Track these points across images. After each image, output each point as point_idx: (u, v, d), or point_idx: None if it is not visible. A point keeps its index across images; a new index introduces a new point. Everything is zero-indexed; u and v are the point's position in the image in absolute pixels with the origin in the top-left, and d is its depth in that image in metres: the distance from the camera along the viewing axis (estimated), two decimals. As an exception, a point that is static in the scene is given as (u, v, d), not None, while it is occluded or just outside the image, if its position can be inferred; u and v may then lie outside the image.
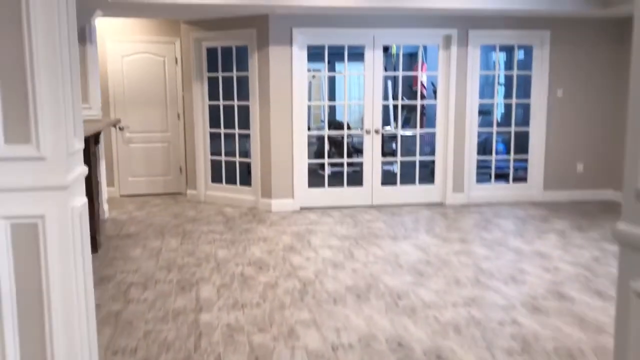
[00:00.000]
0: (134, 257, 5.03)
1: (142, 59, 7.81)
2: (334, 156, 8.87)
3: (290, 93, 6.73)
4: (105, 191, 6.63)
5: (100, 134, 6.36)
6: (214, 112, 7.36)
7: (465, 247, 5.29)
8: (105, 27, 7.65)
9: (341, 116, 8.79)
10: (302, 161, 6.92)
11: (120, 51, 7.74)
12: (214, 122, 7.37)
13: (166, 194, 8.02)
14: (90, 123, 5.73)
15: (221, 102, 7.26)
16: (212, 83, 7.35)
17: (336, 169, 8.29)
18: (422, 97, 9.81)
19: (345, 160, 7.11)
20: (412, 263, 4.80)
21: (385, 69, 7.57)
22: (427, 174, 8.38)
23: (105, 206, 6.59)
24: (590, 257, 4.97)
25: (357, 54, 7.05)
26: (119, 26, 7.69)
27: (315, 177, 7.54)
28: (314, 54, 6.97)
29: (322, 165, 7.92)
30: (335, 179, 7.34)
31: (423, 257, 4.95)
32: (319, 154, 7.68)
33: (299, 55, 6.74)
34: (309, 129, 8.69)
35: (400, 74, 7.25)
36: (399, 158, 7.26)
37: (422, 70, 8.82)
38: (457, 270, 4.62)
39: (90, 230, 5.46)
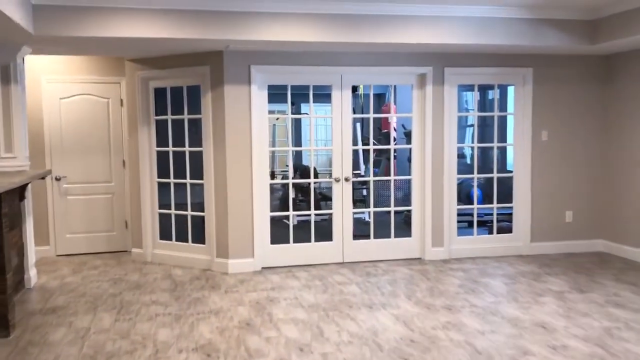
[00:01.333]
0: (53, 341, 4.08)
1: (83, 100, 6.95)
2: (301, 205, 8.09)
3: (249, 137, 5.95)
4: (33, 253, 5.66)
5: (27, 188, 5.44)
6: (162, 159, 6.52)
7: (453, 317, 4.50)
8: (41, 66, 6.80)
9: (308, 161, 8.08)
10: (263, 214, 6.10)
11: (58, 93, 6.88)
12: (162, 170, 6.52)
13: (109, 253, 7.05)
14: (10, 176, 4.83)
15: (171, 148, 6.43)
16: (161, 127, 6.53)
17: (303, 218, 7.50)
18: (393, 139, 9.17)
19: (312, 211, 6.32)
20: (394, 343, 3.97)
21: (354, 111, 6.88)
22: (401, 223, 7.67)
23: (32, 272, 5.61)
24: (600, 328, 4.24)
25: (323, 95, 6.37)
26: (57, 65, 6.85)
27: (279, 230, 6.72)
28: (278, 94, 6.25)
29: (287, 216, 7.10)
30: (302, 232, 6.52)
31: (406, 334, 4.14)
32: (284, 201, 6.88)
33: (259, 95, 6.01)
34: (272, 176, 7.91)
35: (371, 115, 6.56)
36: (372, 209, 6.49)
37: (392, 111, 8.19)
38: (449, 351, 3.81)
39: (1, 309, 4.56)
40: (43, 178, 5.72)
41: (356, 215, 7.11)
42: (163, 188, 6.58)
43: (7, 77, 5.32)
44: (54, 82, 6.86)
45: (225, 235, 6.00)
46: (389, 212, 6.55)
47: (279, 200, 8.88)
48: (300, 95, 6.54)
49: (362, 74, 6.25)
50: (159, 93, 6.49)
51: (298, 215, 7.52)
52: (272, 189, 6.27)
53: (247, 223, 6.01)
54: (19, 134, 5.38)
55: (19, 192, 5.34)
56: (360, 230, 6.96)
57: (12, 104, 5.35)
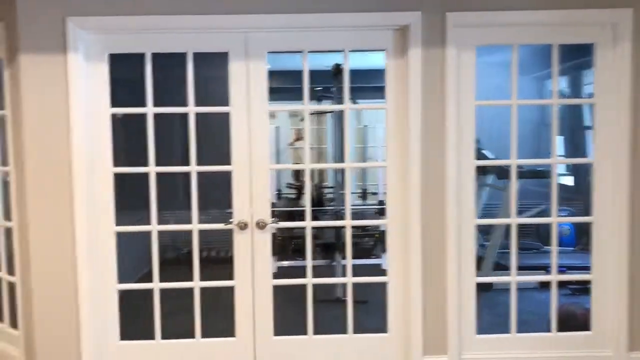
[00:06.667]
0: None
1: None
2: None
3: (66, 151, 3.27)
4: None
5: None
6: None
7: None
8: None
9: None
10: (106, 288, 3.40)
11: None
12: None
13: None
14: None
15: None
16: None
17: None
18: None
19: (198, 283, 3.48)
20: None
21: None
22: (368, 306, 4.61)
23: None
24: None
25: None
26: None
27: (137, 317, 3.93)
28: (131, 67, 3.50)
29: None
30: (178, 319, 3.67)
31: None
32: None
33: (91, 73, 3.31)
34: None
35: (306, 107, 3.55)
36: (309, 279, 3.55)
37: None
38: None
39: None
40: None
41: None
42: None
43: None
44: None
45: (28, 329, 3.38)
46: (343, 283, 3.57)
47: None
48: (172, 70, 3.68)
49: (284, 31, 3.35)
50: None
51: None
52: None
53: (68, 310, 3.33)
54: None
55: None
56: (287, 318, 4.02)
57: None
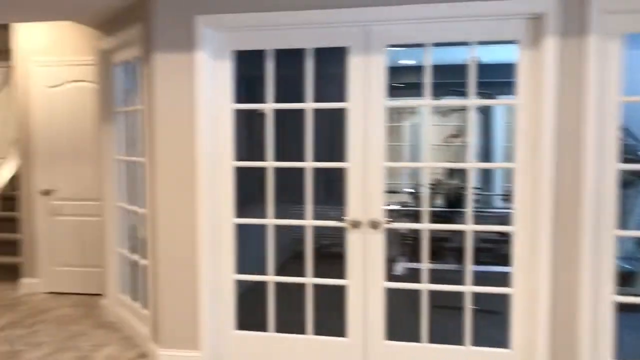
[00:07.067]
0: None
1: (75, 89, 5.18)
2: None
3: (191, 145, 3.41)
4: None
5: None
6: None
7: None
8: (32, 44, 5.20)
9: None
10: (224, 278, 3.51)
11: (45, 79, 5.22)
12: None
13: (98, 296, 5.18)
14: None
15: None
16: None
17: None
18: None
19: (312, 279, 3.47)
20: None
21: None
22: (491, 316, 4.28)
23: None
24: None
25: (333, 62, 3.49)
26: (46, 40, 5.19)
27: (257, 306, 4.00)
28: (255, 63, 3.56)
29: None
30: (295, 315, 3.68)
31: None
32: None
33: (215, 69, 3.42)
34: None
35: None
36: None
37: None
38: None
39: None
40: None
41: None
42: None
43: None
44: (44, 66, 5.21)
45: (155, 309, 3.59)
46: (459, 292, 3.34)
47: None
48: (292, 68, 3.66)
49: (407, 23, 3.19)
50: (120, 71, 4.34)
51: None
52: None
53: (189, 294, 3.49)
54: None
55: None
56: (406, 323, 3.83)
57: None
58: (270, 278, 3.50)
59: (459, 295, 3.35)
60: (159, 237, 3.50)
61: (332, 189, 4.09)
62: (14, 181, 6.19)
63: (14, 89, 5.29)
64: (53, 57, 5.15)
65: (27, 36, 5.19)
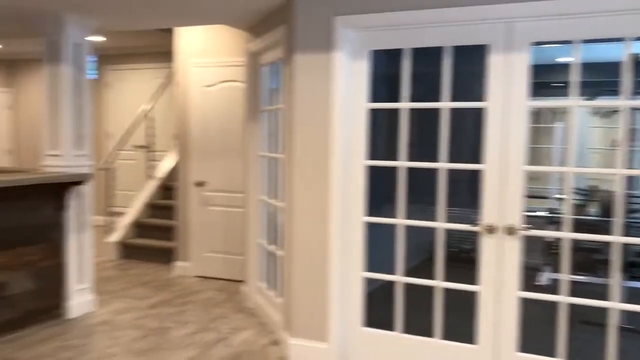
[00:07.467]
0: None
1: (229, 89, 5.55)
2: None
3: (326, 143, 3.50)
4: (74, 277, 4.58)
5: (65, 195, 4.32)
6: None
7: None
8: (190, 48, 5.68)
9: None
10: (352, 275, 3.56)
11: (202, 79, 5.66)
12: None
13: (238, 282, 5.52)
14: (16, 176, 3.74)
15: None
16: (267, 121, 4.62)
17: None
18: None
19: (441, 283, 3.38)
20: None
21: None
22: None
23: (77, 299, 4.52)
24: None
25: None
26: (204, 45, 5.63)
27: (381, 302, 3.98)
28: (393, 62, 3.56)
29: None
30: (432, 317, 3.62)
31: None
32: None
33: (352, 69, 3.47)
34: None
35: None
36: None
37: None
38: None
39: None
40: (78, 183, 4.33)
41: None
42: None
43: (55, 57, 4.29)
44: (200, 67, 5.66)
45: (288, 299, 3.73)
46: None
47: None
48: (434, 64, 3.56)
49: (552, 19, 3.00)
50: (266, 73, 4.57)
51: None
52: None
53: (320, 288, 3.59)
54: (63, 127, 4.30)
55: (55, 200, 4.27)
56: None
57: (59, 90, 4.30)
58: (399, 278, 3.49)
59: (605, 312, 3.09)
60: (294, 230, 3.65)
61: (465, 190, 3.97)
62: (172, 173, 6.79)
63: (175, 88, 5.81)
64: (208, 58, 5.58)
65: (187, 40, 5.66)
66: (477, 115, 3.25)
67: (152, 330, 4.16)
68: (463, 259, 5.22)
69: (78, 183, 4.29)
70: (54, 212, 4.29)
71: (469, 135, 3.49)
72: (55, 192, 4.27)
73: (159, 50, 8.04)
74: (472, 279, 3.32)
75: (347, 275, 3.57)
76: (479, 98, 3.20)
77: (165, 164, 7.03)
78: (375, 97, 3.49)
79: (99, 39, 7.04)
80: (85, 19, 4.34)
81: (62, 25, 4.22)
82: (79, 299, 4.50)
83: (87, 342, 3.90)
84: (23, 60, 9.16)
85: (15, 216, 4.02)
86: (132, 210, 6.75)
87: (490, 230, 3.19)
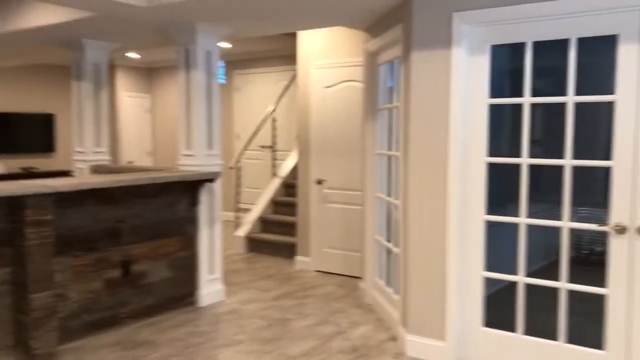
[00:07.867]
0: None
1: (348, 89, 5.68)
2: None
3: (444, 140, 3.49)
4: (205, 268, 4.91)
5: (198, 192, 4.67)
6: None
7: None
8: (312, 50, 5.88)
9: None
10: (472, 273, 3.52)
11: (323, 80, 5.84)
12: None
13: (357, 278, 5.63)
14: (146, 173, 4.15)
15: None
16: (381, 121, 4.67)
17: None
18: None
19: (565, 284, 3.24)
20: None
21: None
22: None
23: (208, 289, 4.86)
24: None
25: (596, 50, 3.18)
26: (324, 47, 5.80)
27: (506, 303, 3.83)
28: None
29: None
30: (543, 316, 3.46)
31: None
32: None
33: (469, 64, 3.43)
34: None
35: None
36: None
37: None
38: None
39: (22, 333, 3.78)
40: (210, 181, 4.59)
41: None
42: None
43: (189, 64, 4.65)
44: (320, 68, 5.84)
45: (405, 296, 3.75)
46: None
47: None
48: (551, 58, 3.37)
49: (695, 1, 2.76)
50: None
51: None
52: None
53: (437, 286, 3.58)
54: (196, 129, 4.65)
55: (190, 195, 4.64)
56: None
57: (192, 95, 4.65)
58: (520, 279, 3.39)
59: None
60: (410, 228, 3.68)
61: (596, 189, 3.76)
62: (294, 171, 7.06)
63: (297, 90, 6.03)
64: (328, 60, 5.74)
65: (308, 42, 5.87)
66: (596, 110, 3.07)
67: (276, 320, 4.38)
68: (594, 262, 4.94)
69: (209, 181, 4.62)
70: (188, 207, 4.66)
71: (594, 131, 3.31)
72: (190, 189, 4.63)
73: (282, 54, 8.38)
74: (601, 282, 3.14)
75: (466, 274, 3.54)
76: (603, 91, 3.03)
77: (288, 163, 7.32)
78: (494, 93, 3.42)
79: (227, 45, 7.48)
80: (216, 27, 4.65)
81: (195, 34, 4.56)
82: (210, 288, 4.84)
83: (217, 329, 4.19)
84: (159, 68, 9.95)
85: (156, 211, 4.42)
86: (257, 207, 7.11)
87: (621, 230, 3.01)
